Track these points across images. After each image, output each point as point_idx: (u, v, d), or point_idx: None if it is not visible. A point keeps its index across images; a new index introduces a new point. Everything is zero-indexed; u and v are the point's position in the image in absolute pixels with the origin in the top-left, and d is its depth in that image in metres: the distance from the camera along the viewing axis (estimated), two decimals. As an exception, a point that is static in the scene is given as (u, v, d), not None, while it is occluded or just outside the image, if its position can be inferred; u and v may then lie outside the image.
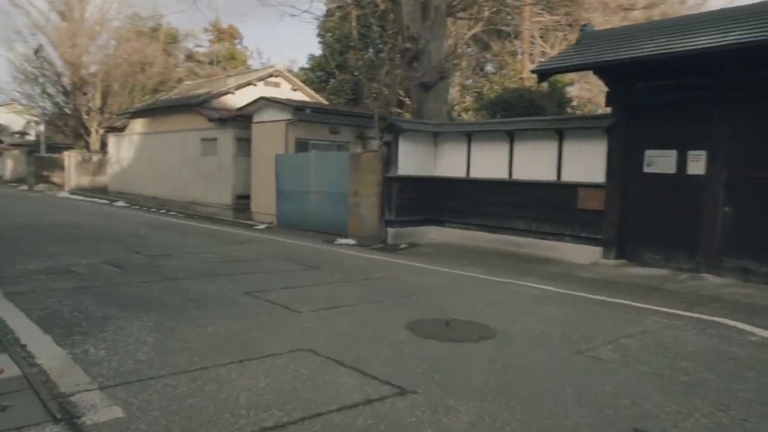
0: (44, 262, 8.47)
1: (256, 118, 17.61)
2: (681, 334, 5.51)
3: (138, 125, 24.87)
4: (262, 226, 15.33)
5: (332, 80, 30.41)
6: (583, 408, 3.62)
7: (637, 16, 20.94)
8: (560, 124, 10.33)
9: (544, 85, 17.15)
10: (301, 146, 16.24)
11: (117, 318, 5.41)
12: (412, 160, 12.01)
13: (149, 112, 23.99)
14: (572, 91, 23.17)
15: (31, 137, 41.75)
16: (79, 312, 5.59)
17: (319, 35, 31.20)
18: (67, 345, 4.52)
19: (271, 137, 16.70)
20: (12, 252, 9.38)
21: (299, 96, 21.86)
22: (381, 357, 4.50)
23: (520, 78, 21.86)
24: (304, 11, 22.46)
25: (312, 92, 23.84)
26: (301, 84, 23.65)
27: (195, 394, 3.61)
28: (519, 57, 25.64)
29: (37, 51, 36.49)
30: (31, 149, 37.26)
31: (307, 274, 8.26)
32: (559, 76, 17.44)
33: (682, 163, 8.73)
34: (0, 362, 4.05)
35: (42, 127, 37.17)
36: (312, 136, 16.64)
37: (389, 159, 11.95)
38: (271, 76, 22.21)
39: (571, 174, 10.03)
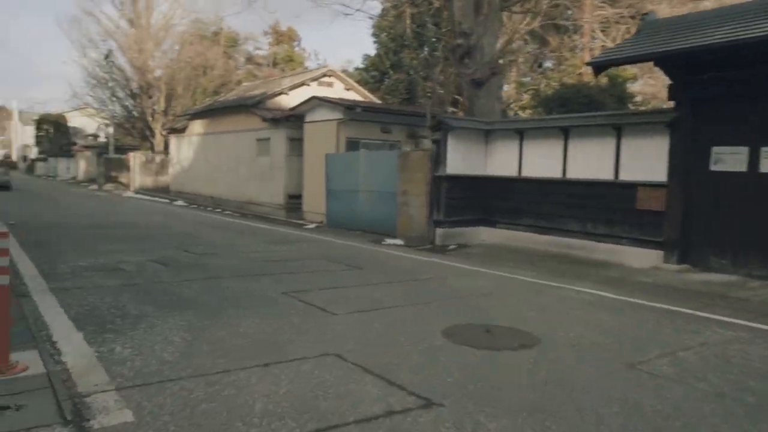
0: (96, 259, 8.68)
1: (308, 118, 17.66)
2: (748, 348, 4.98)
3: (197, 126, 25.53)
4: (312, 226, 15.33)
5: (387, 80, 30.34)
6: (629, 430, 3.25)
7: (708, 7, 19.73)
8: (618, 120, 9.75)
9: (604, 80, 16.38)
10: (353, 145, 16.13)
11: (152, 316, 5.39)
12: (462, 158, 11.67)
13: (207, 113, 24.57)
14: (635, 86, 22.10)
15: (103, 139, 43.79)
16: (116, 309, 5.61)
17: (373, 35, 31.18)
18: (96, 343, 4.50)
19: (322, 137, 16.70)
20: (69, 249, 9.68)
21: (352, 96, 21.82)
22: (411, 364, 4.25)
23: (579, 74, 21.02)
24: (357, 10, 22.29)
25: (365, 92, 23.77)
26: (354, 84, 23.61)
27: (211, 399, 3.47)
28: (579, 52, 24.71)
29: (107, 56, 38.22)
30: (101, 151, 39.07)
31: (349, 275, 8.09)
32: (619, 70, 16.64)
33: (754, 160, 8.02)
34: (28, 359, 4.06)
35: (111, 130, 38.85)
36: (363, 136, 16.51)
37: (438, 157, 11.64)
38: (324, 76, 22.27)
39: (630, 173, 9.43)
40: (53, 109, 59.66)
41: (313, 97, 17.41)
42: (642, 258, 9.06)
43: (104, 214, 17.54)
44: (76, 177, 46.43)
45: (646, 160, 9.17)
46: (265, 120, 19.39)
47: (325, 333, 5.02)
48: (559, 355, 4.59)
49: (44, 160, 60.96)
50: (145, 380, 3.74)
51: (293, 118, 18.47)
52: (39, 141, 65.86)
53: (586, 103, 14.90)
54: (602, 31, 22.64)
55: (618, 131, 9.60)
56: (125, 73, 38.27)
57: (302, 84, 21.59)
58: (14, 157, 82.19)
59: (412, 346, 4.72)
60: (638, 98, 21.06)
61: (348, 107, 16.27)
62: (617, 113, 10.28)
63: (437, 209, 11.56)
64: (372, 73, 31.74)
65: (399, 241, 11.93)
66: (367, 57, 32.13)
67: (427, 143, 13.65)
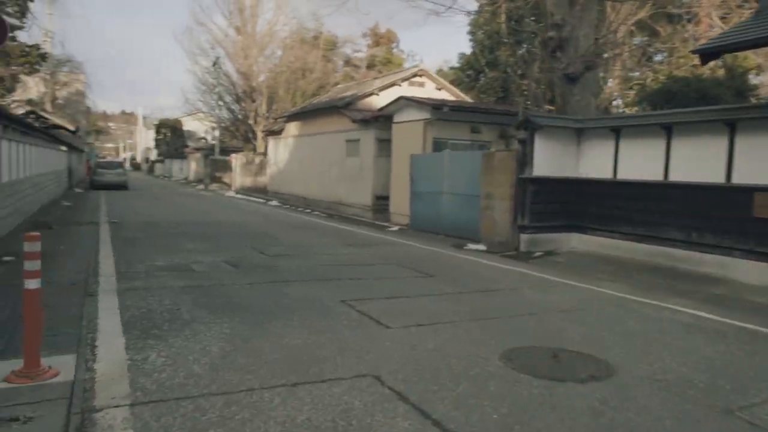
0: (173, 258, 8.85)
1: (396, 118, 17.40)
2: None
3: (292, 128, 26.13)
4: (395, 228, 15.01)
5: (482, 78, 29.49)
6: (710, 502, 2.58)
7: None
8: (731, 115, 8.53)
9: (721, 71, 14.70)
10: (440, 146, 15.63)
11: (200, 322, 5.26)
12: (551, 159, 10.83)
13: (301, 115, 25.05)
14: (761, 78, 19.77)
15: (211, 142, 46.30)
16: (169, 313, 5.55)
17: (470, 32, 30.44)
18: (134, 349, 4.40)
19: (409, 137, 16.36)
20: (154, 247, 9.98)
21: (444, 95, 21.27)
22: (455, 393, 3.75)
23: (694, 66, 19.13)
24: (449, 8, 21.65)
25: (457, 91, 23.16)
26: (446, 83, 23.05)
27: (222, 423, 3.19)
28: (694, 43, 22.54)
29: (215, 63, 40.26)
30: (208, 152, 41.25)
31: (418, 283, 7.65)
32: (739, 59, 14.89)
33: None
34: (64, 363, 4.00)
35: (217, 132, 40.90)
36: (451, 136, 15.97)
37: (524, 158, 10.89)
38: (415, 75, 21.89)
39: (745, 175, 8.22)
40: (171, 114, 63.90)
41: (401, 97, 17.11)
42: (757, 273, 7.85)
43: (200, 213, 18.26)
44: (187, 177, 49.42)
45: (766, 161, 7.95)
46: (354, 121, 19.36)
47: (370, 349, 4.62)
48: (635, 392, 3.89)
49: (161, 161, 65.55)
50: (164, 396, 3.54)
51: (382, 119, 18.28)
52: (158, 144, 70.96)
53: (697, 97, 13.40)
54: (721, 18, 20.51)
55: (731, 128, 8.42)
56: (231, 79, 40.20)
57: (393, 84, 21.35)
58: (138, 159, 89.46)
59: (463, 370, 4.21)
60: (763, 92, 18.81)
61: (434, 107, 15.79)
62: (730, 107, 9.03)
63: (522, 213, 10.82)
64: (467, 72, 31.02)
65: (481, 247, 11.30)
66: (462, 56, 31.46)
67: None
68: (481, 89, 28.57)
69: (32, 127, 14.86)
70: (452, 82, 26.93)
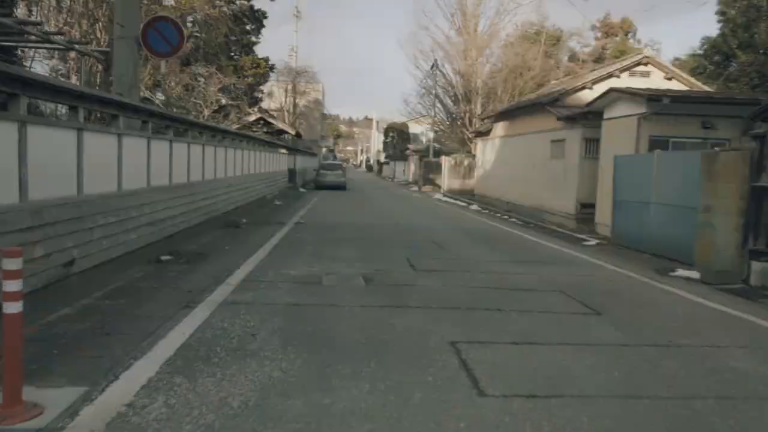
0: (311, 267, 8.29)
1: (606, 114, 14.97)
2: None
3: (498, 129, 24.72)
4: (593, 243, 12.73)
5: (733, 64, 24.46)
6: None
7: None
8: None
9: None
10: (660, 145, 12.87)
11: (260, 356, 4.41)
12: (804, 161, 7.85)
13: (507, 114, 23.51)
14: None
15: (427, 143, 47.05)
16: (238, 339, 4.82)
17: (719, 13, 25.52)
18: (150, 388, 3.69)
19: (620, 136, 13.86)
20: (306, 253, 9.58)
21: (674, 86, 17.86)
22: None
23: None
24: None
25: (693, 80, 19.36)
26: (678, 71, 19.41)
27: None
28: None
29: (433, 66, 40.61)
30: (423, 154, 41.81)
31: (572, 323, 5.87)
32: None
33: None
34: (65, 399, 3.47)
35: (431, 134, 41.21)
36: (673, 133, 13.10)
37: (761, 160, 8.08)
38: (638, 65, 18.82)
39: None
40: (397, 118, 66.83)
41: (611, 89, 14.62)
42: None
43: (394, 216, 17.91)
44: (408, 179, 50.95)
45: None
46: (559, 119, 17.26)
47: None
48: None
49: (387, 163, 69.04)
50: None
51: (591, 116, 15.90)
52: (386, 147, 74.97)
53: None
54: None
55: None
56: (450, 81, 40.19)
57: (609, 76, 18.62)
58: (372, 161, 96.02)
59: (544, 501, 2.63)
60: None
61: (651, 98, 13.03)
62: None
63: (755, 234, 8.03)
64: (714, 58, 26.06)
65: (693, 274, 8.73)
66: (706, 40, 26.55)
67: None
68: (730, 77, 23.74)
69: (229, 132, 15.98)
70: (692, 71, 22.83)
